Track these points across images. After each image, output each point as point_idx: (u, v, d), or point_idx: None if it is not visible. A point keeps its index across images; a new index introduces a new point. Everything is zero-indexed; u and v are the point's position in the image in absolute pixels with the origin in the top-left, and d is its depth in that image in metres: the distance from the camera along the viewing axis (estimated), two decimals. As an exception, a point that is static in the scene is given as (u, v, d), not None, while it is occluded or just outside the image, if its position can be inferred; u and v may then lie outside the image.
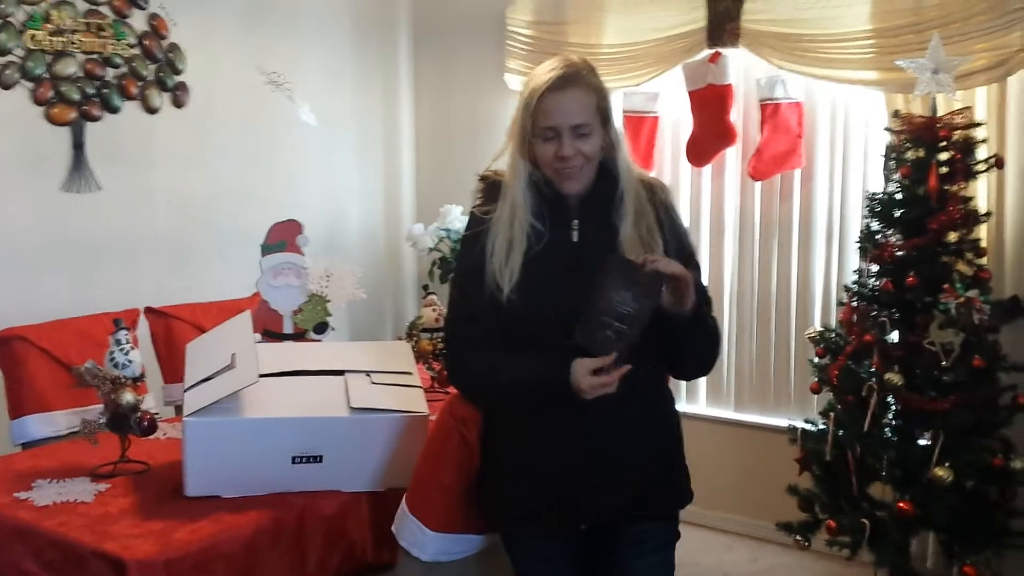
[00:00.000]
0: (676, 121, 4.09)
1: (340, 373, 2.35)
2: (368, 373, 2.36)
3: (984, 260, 3.03)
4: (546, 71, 1.88)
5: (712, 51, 3.81)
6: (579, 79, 1.87)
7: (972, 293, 2.84)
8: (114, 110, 3.63)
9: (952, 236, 2.96)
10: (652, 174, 3.93)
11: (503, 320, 1.92)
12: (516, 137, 1.92)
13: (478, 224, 1.98)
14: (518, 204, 1.92)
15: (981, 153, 3.03)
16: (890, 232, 3.03)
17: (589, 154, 1.89)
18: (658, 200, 1.95)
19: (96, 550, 1.92)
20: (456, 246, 4.03)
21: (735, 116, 3.89)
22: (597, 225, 1.92)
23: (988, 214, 3.12)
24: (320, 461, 2.20)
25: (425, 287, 3.97)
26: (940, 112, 3.01)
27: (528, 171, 1.93)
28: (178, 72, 3.82)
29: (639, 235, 1.89)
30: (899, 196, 3.03)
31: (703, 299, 1.95)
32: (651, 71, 3.95)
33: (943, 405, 2.84)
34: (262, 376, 2.16)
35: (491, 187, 1.99)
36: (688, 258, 1.96)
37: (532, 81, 1.89)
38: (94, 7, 3.55)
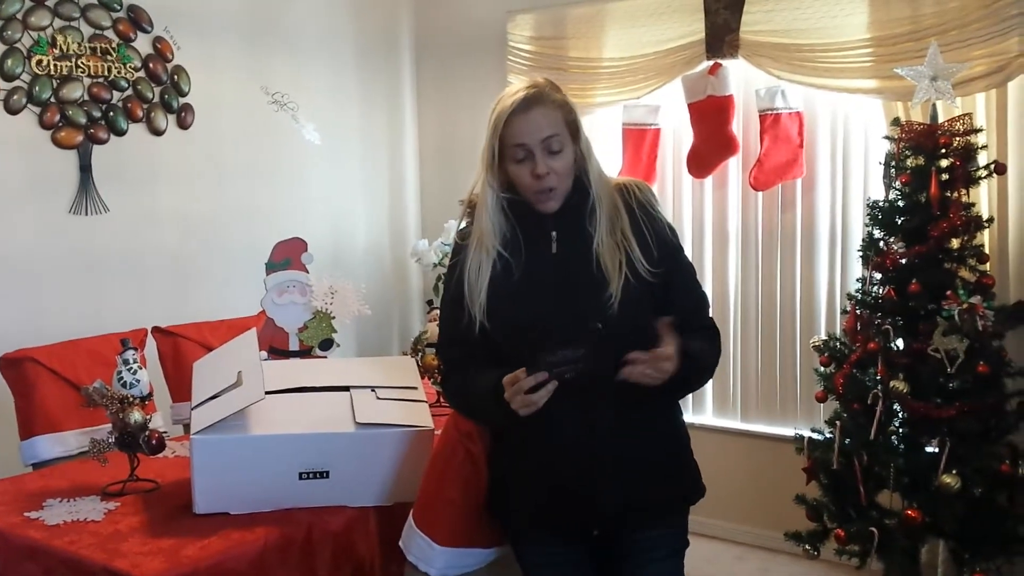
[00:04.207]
0: (677, 133, 4.11)
1: (346, 389, 2.35)
2: (373, 388, 2.37)
3: (987, 266, 3.04)
4: (511, 94, 1.91)
5: (711, 63, 3.84)
6: (543, 98, 1.90)
7: (975, 299, 2.85)
8: (120, 132, 3.67)
9: (954, 243, 2.97)
10: (654, 186, 3.97)
11: (491, 340, 1.94)
12: (485, 161, 1.94)
13: (458, 250, 2.02)
14: (485, 231, 1.95)
15: (982, 159, 3.04)
16: (892, 240, 3.04)
17: (562, 171, 1.91)
18: (636, 201, 1.96)
19: (106, 568, 1.92)
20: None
21: (735, 127, 3.91)
22: (574, 236, 1.94)
23: (990, 220, 3.13)
24: (327, 477, 2.21)
25: (430, 302, 3.99)
26: (940, 119, 3.03)
27: (496, 195, 1.95)
28: (183, 94, 3.87)
29: (615, 241, 1.92)
30: (900, 204, 3.05)
31: (694, 310, 1.98)
32: (651, 84, 3.98)
33: (949, 412, 2.84)
34: (268, 393, 2.17)
35: (473, 210, 2.02)
36: (673, 253, 1.97)
37: (498, 105, 1.92)
38: (99, 31, 3.60)
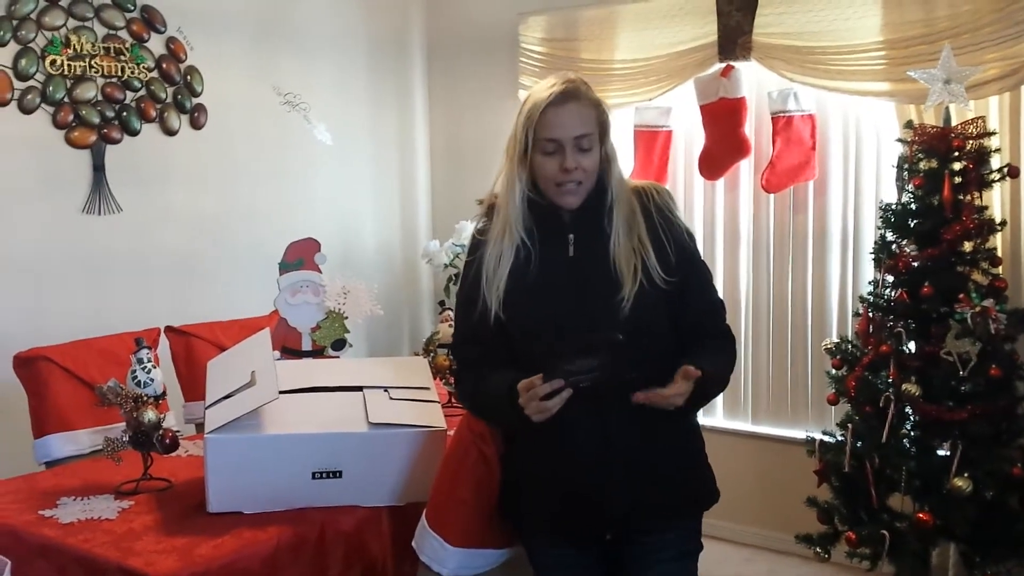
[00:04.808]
0: (689, 135, 4.11)
1: (358, 389, 2.36)
2: (386, 389, 2.38)
3: (999, 269, 3.03)
4: (546, 87, 1.90)
5: (724, 65, 3.83)
6: (579, 94, 1.89)
7: (988, 303, 2.85)
8: (133, 132, 3.68)
9: (967, 246, 2.97)
10: (666, 186, 3.95)
11: (507, 338, 1.94)
12: (513, 152, 1.94)
13: (476, 247, 2.02)
14: (511, 218, 1.94)
15: (995, 162, 3.04)
16: (904, 242, 3.03)
17: (590, 169, 1.91)
18: (654, 205, 1.96)
19: (120, 566, 1.93)
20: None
21: (747, 129, 3.91)
22: (591, 238, 1.94)
23: (1003, 223, 3.12)
24: (340, 476, 2.21)
25: (441, 303, 3.98)
26: (953, 122, 3.02)
27: (524, 186, 1.94)
28: (196, 94, 3.88)
29: (632, 246, 1.91)
30: (913, 206, 3.04)
31: (709, 313, 1.99)
32: (663, 86, 3.98)
33: (961, 415, 2.83)
34: (282, 393, 2.18)
35: (490, 210, 2.02)
36: (690, 258, 1.97)
37: (533, 96, 1.91)
38: (113, 31, 3.61)
